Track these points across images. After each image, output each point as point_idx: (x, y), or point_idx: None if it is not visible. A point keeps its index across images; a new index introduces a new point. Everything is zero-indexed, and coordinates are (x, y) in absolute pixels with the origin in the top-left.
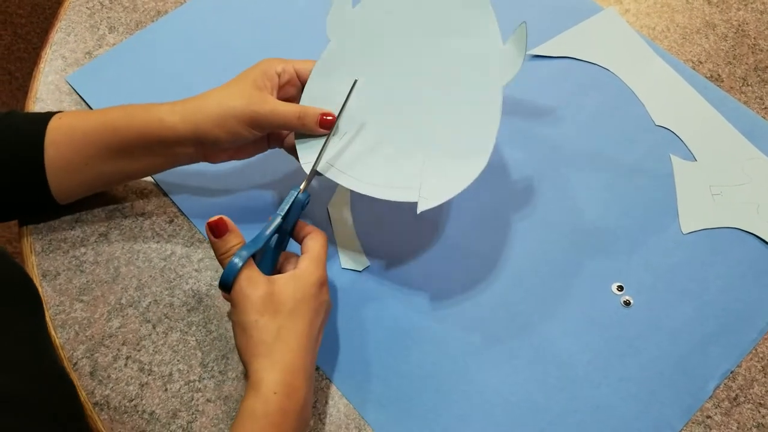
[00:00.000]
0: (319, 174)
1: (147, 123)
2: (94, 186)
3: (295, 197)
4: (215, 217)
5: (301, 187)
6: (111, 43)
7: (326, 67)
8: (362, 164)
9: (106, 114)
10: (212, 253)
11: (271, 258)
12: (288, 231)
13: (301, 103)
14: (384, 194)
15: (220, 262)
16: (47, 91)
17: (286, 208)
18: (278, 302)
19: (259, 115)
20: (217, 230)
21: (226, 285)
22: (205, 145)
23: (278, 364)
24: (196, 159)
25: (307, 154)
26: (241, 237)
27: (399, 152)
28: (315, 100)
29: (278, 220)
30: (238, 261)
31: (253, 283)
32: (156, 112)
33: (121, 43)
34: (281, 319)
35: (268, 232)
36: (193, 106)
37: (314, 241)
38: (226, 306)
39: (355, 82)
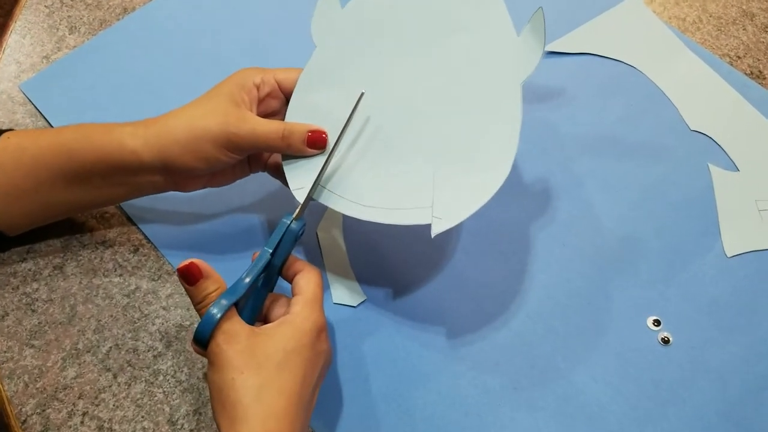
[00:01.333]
0: (313, 200)
1: (106, 146)
2: (45, 216)
3: (288, 227)
4: (186, 262)
5: (294, 214)
6: (71, 45)
7: (313, 76)
8: (361, 185)
9: (61, 134)
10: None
11: (255, 300)
12: (277, 268)
13: (286, 119)
14: (390, 218)
15: (198, 312)
16: None
17: (277, 240)
18: (263, 355)
19: (237, 137)
20: (189, 277)
21: (202, 341)
22: (174, 172)
23: None
24: (165, 188)
25: (297, 177)
26: (220, 281)
27: (404, 168)
28: (302, 115)
29: (266, 256)
30: (216, 312)
31: (232, 336)
32: (117, 135)
33: (82, 45)
34: (265, 376)
35: (253, 273)
36: (158, 128)
37: (307, 281)
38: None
39: (361, 95)
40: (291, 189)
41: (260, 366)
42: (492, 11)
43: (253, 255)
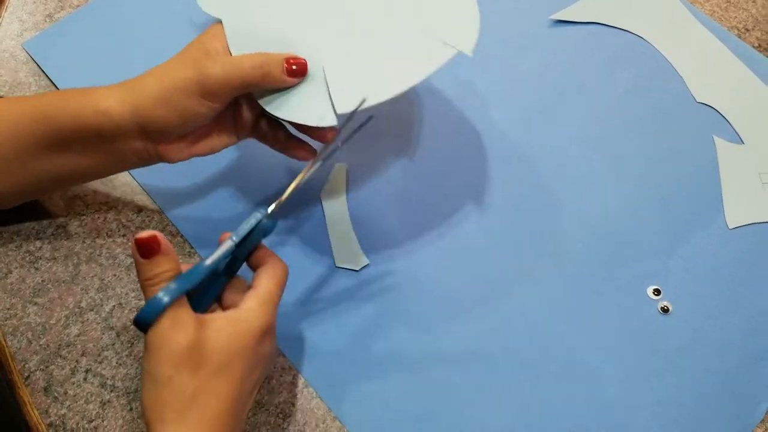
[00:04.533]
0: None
1: (81, 109)
2: (32, 189)
3: (258, 222)
4: (146, 233)
5: (269, 209)
6: (75, 4)
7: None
8: (372, 73)
9: (39, 99)
10: (186, 248)
11: (213, 286)
12: (242, 256)
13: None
14: (423, 73)
15: (143, 290)
16: (1, 59)
17: (244, 233)
18: (203, 355)
19: (208, 78)
20: (146, 250)
21: (143, 325)
22: (151, 133)
23: None
24: (147, 157)
25: (306, 111)
26: (175, 262)
27: (392, 39)
28: (244, 44)
29: (228, 245)
30: (163, 296)
31: (177, 325)
32: (91, 97)
33: (86, 4)
34: (202, 378)
35: (210, 262)
36: (131, 85)
37: (269, 277)
38: None
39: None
40: (313, 124)
41: (198, 366)
42: None
43: (221, 235)
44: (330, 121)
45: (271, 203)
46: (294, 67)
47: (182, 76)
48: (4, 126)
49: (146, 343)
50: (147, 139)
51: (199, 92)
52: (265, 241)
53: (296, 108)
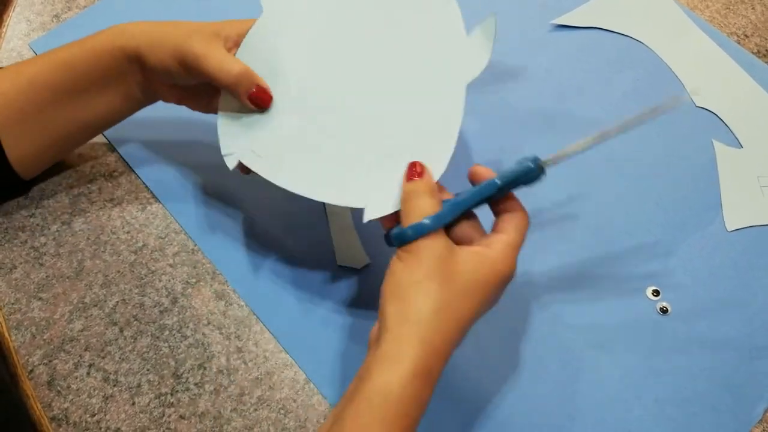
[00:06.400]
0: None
1: (97, 43)
2: (53, 143)
3: (527, 171)
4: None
5: (543, 158)
6: (82, 5)
7: (258, 39)
8: (298, 158)
9: (55, 52)
10: (190, 245)
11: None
12: (492, 197)
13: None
14: (324, 196)
15: (402, 200)
16: (8, 58)
17: (509, 179)
18: (454, 271)
19: (188, 54)
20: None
21: (402, 242)
22: (148, 71)
23: (427, 343)
24: (147, 89)
25: (229, 141)
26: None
27: (343, 148)
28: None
29: (493, 185)
30: (428, 223)
31: (435, 241)
32: (108, 32)
33: (93, 5)
34: (450, 293)
35: (474, 200)
36: (148, 25)
37: (516, 223)
38: (204, 308)
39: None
40: (222, 153)
41: (448, 280)
42: (446, 9)
43: (482, 172)
44: (228, 161)
45: (502, 172)
46: (258, 96)
47: (174, 37)
48: (22, 80)
49: (402, 251)
50: (146, 73)
51: (177, 59)
52: (253, 236)
53: (229, 134)
